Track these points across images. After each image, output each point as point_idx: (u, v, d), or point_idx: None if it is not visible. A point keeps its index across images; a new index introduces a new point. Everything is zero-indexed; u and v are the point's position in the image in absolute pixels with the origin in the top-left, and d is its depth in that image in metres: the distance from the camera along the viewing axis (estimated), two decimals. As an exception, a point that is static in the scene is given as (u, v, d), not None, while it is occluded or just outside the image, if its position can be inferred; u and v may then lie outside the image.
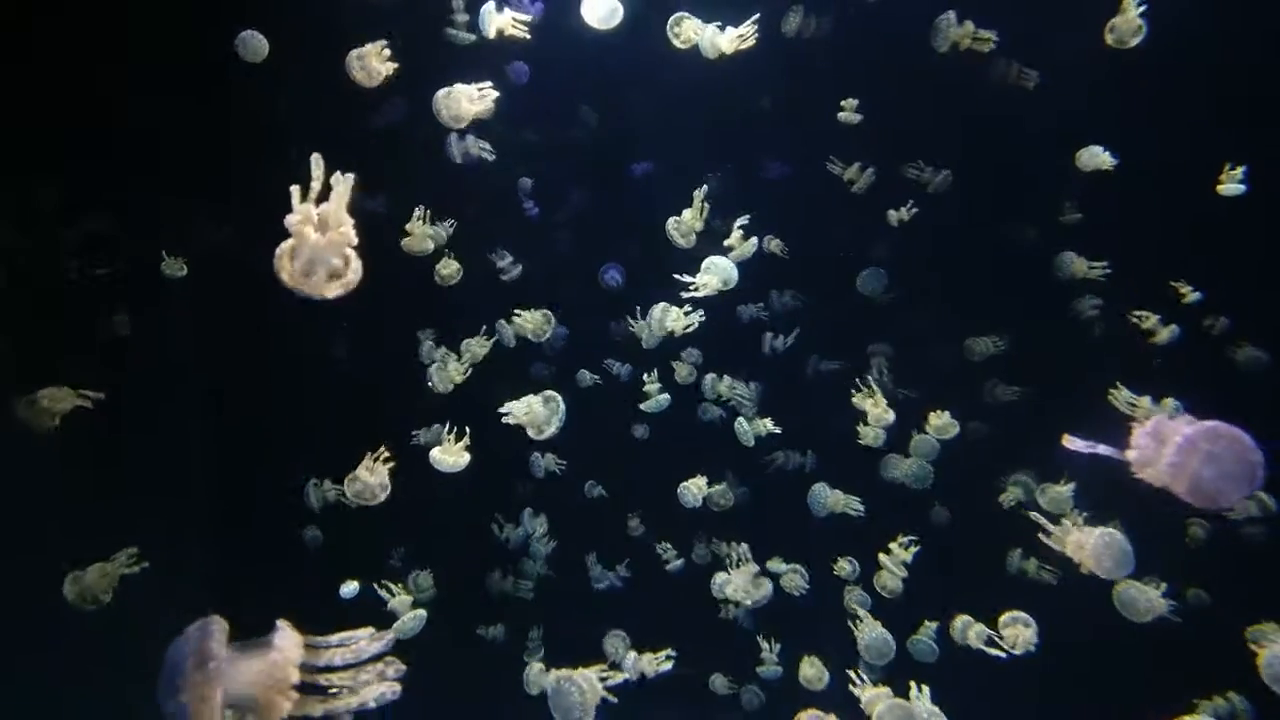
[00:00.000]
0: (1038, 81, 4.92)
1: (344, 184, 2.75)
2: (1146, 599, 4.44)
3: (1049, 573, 5.27)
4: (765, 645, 5.42)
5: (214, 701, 2.18)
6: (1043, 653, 4.65)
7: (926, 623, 4.98)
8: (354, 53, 4.32)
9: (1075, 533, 3.93)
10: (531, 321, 5.36)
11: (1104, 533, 3.92)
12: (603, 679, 3.81)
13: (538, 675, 5.02)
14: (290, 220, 2.77)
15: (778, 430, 5.42)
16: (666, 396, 5.45)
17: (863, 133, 5.13)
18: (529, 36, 4.50)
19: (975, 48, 4.79)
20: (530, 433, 4.75)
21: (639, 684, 4.80)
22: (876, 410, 5.07)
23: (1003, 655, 4.60)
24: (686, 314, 4.99)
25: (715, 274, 4.71)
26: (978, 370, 5.62)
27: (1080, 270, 5.26)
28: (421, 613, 4.82)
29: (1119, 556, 3.91)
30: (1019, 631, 4.51)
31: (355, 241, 2.83)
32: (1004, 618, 4.60)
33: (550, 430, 4.80)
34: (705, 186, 4.85)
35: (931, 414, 5.15)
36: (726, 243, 4.80)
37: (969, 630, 4.75)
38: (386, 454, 4.47)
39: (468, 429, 4.68)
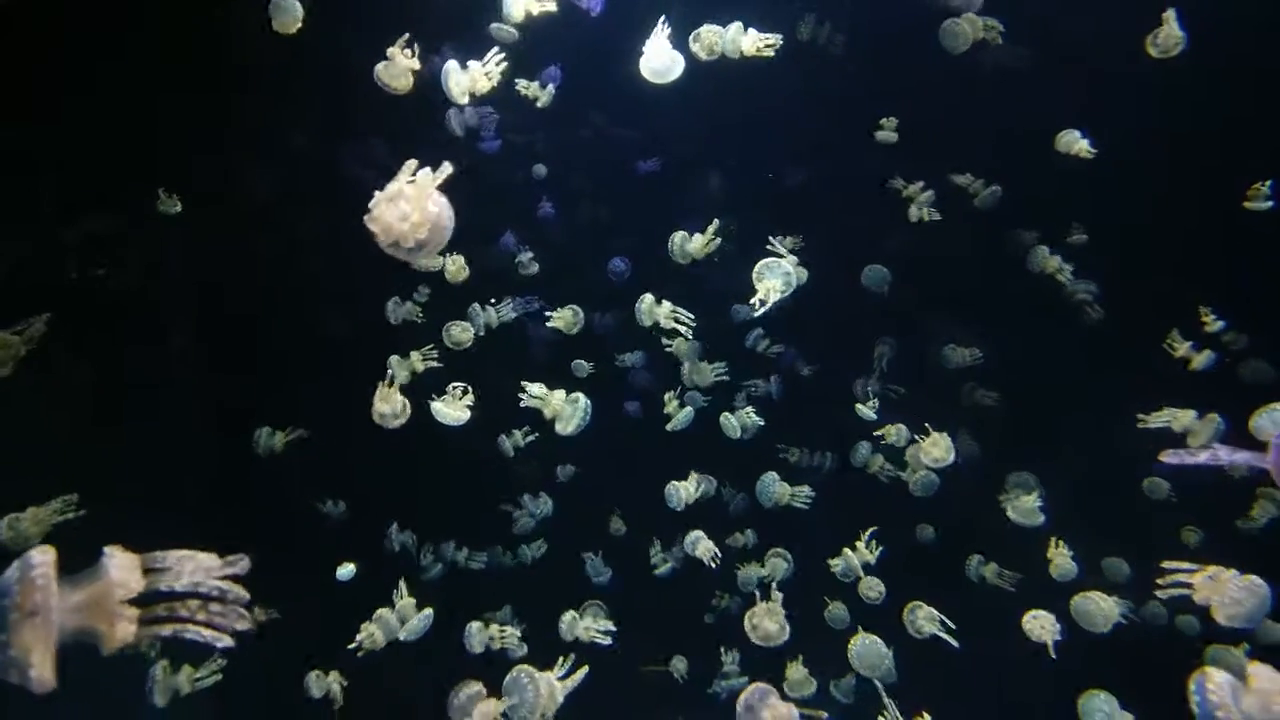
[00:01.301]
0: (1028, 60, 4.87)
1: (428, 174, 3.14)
2: (1101, 611, 4.50)
3: (1008, 579, 5.32)
4: (725, 657, 5.52)
5: (46, 653, 2.13)
6: (1020, 657, 4.77)
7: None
8: (379, 65, 4.30)
9: (1210, 568, 3.75)
10: (562, 319, 5.40)
11: (1249, 579, 3.77)
12: (564, 679, 3.82)
13: (478, 632, 5.05)
14: (369, 217, 3.20)
15: (761, 422, 5.46)
16: (690, 411, 5.45)
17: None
18: (554, 9, 4.46)
19: (989, 39, 4.75)
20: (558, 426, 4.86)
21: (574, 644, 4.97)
22: (936, 452, 5.07)
23: (955, 644, 4.75)
24: (675, 310, 5.03)
25: (774, 278, 4.68)
26: (969, 376, 5.62)
27: (1051, 267, 5.22)
28: (429, 611, 4.86)
29: (1255, 608, 3.77)
30: (1042, 623, 4.60)
31: (424, 235, 3.19)
32: (1025, 618, 4.72)
33: (570, 428, 4.85)
34: (717, 220, 4.87)
35: (931, 441, 5.16)
36: (783, 264, 4.76)
37: (918, 613, 4.85)
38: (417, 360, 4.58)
39: (469, 387, 4.80)
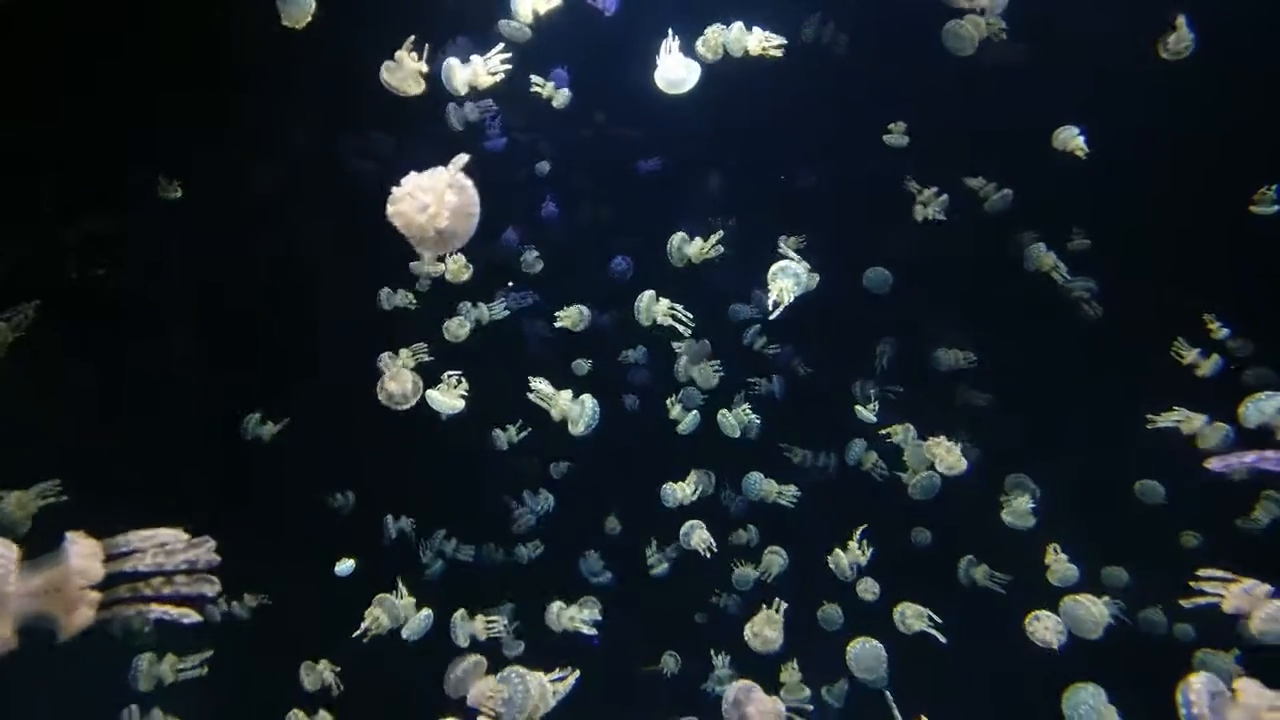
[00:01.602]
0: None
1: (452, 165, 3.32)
2: (1092, 616, 4.51)
3: (998, 580, 5.32)
4: (717, 660, 5.50)
5: (6, 621, 2.08)
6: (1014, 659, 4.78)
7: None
8: (386, 70, 4.27)
9: (1245, 581, 3.63)
10: (569, 318, 5.42)
11: None
12: (556, 682, 3.80)
13: (461, 622, 5.04)
14: (391, 211, 3.35)
15: (759, 420, 5.47)
16: (697, 415, 5.45)
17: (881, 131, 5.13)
18: (560, 3, 4.43)
19: (993, 35, 4.69)
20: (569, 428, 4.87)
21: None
22: (950, 459, 5.06)
23: (943, 640, 4.77)
24: (672, 307, 5.03)
25: (785, 279, 4.64)
26: (965, 378, 5.61)
27: (1047, 264, 5.19)
28: (428, 611, 4.88)
29: None
30: (1046, 624, 4.61)
31: (445, 225, 3.36)
32: (1028, 619, 4.71)
33: (579, 429, 4.85)
34: (721, 232, 4.89)
35: (945, 448, 5.14)
36: (793, 265, 4.74)
37: (907, 611, 4.86)
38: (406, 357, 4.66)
39: (463, 378, 4.80)
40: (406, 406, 4.77)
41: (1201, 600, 3.56)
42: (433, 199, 3.34)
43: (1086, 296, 5.22)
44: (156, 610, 2.22)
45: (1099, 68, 4.80)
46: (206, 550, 2.28)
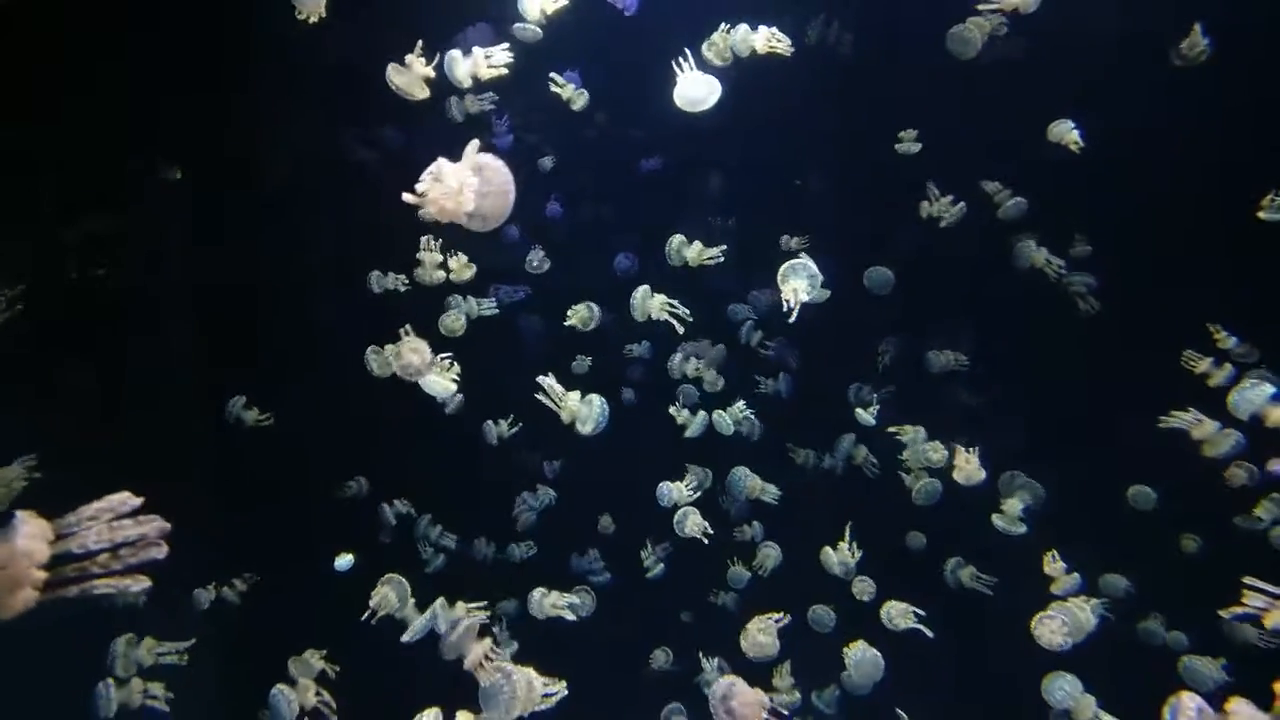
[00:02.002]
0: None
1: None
2: (1078, 621, 4.53)
3: (984, 581, 5.33)
4: (706, 665, 5.44)
5: None
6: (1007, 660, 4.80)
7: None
8: (394, 73, 4.23)
9: None
10: (577, 315, 5.41)
11: None
12: (545, 689, 3.78)
13: (440, 610, 4.82)
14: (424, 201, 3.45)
15: (753, 416, 5.46)
16: (704, 415, 5.43)
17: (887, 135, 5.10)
18: (567, 2, 4.41)
19: (994, 31, 4.66)
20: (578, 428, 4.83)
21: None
22: (968, 468, 5.03)
23: (929, 634, 4.77)
24: (668, 303, 4.98)
25: (798, 279, 4.53)
26: (964, 380, 5.60)
27: (1039, 262, 5.18)
28: (431, 614, 4.85)
29: None
30: (1050, 627, 4.63)
31: (473, 207, 3.49)
32: (1034, 621, 4.68)
33: (588, 429, 4.84)
34: (724, 245, 4.89)
35: (960, 458, 5.10)
36: (809, 264, 4.66)
37: (892, 610, 4.88)
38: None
39: (455, 362, 4.77)
40: (420, 379, 4.70)
41: (1240, 610, 3.50)
42: (457, 183, 3.46)
43: (1084, 291, 5.21)
44: (101, 586, 2.20)
45: (1109, 71, 4.77)
46: (156, 527, 2.26)
